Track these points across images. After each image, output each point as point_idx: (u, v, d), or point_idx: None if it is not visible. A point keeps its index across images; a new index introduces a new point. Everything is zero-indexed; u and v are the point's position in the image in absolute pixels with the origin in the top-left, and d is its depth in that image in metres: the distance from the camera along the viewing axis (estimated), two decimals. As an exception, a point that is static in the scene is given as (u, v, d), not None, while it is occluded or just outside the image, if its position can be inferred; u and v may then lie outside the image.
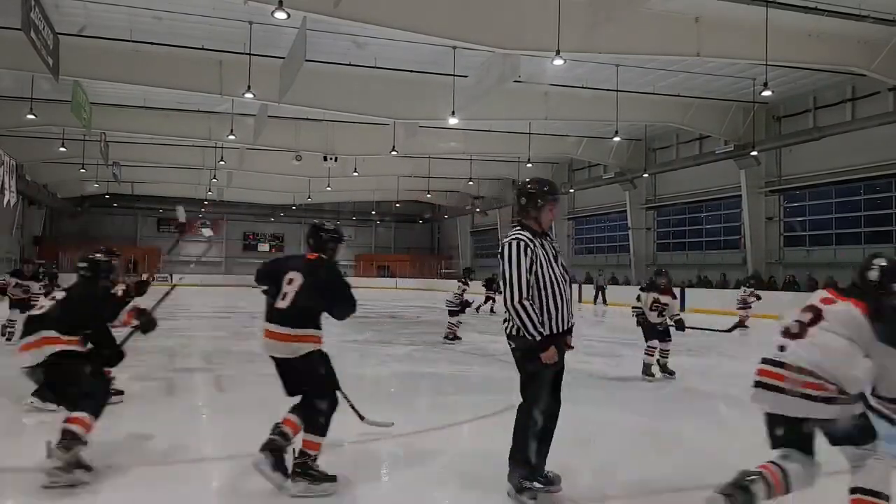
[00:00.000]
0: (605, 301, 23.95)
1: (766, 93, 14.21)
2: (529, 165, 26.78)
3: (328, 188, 32.19)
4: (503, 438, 4.95)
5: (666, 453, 4.73)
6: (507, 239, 3.43)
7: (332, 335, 12.86)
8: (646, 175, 24.68)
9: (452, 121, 16.41)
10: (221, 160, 25.80)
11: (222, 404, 6.14)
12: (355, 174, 28.39)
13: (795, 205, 20.93)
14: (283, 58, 15.10)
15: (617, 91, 17.62)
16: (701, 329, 9.83)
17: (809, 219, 20.52)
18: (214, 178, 29.91)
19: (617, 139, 20.05)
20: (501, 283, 3.42)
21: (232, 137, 19.97)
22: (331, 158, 25.26)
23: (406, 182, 34.73)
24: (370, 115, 19.36)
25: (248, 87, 14.51)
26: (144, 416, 5.45)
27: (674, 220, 26.25)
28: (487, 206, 37.33)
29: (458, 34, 12.80)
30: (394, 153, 21.67)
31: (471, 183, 33.23)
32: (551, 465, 3.95)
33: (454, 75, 15.93)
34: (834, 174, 19.06)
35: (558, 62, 11.78)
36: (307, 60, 13.93)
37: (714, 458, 4.51)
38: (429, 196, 38.51)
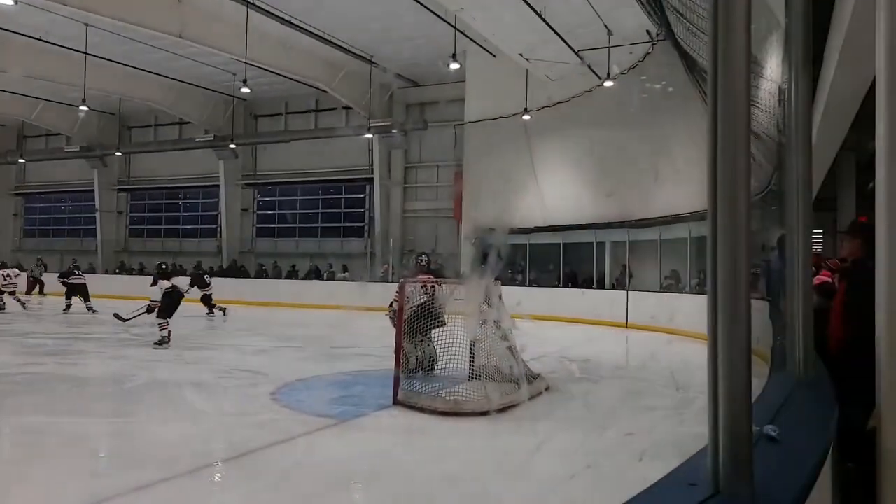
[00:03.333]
0: (42, 292, 18.28)
1: (245, 90, 15.02)
2: (-39, 123, 21.25)
3: None
4: None
5: (127, 451, 4.41)
6: None
7: None
8: (119, 153, 22.82)
9: None
10: None
11: None
12: None
13: (268, 199, 22.84)
14: None
15: (86, 54, 15.67)
16: None
17: (278, 212, 22.71)
18: None
19: (84, 108, 17.76)
20: None
21: None
22: None
23: None
24: None
25: None
26: None
27: (150, 205, 25.04)
28: None
29: None
30: None
31: None
32: None
33: None
34: (300, 174, 21.62)
35: (6, 2, 9.66)
36: None
37: (178, 446, 4.43)
38: None
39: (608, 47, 12.98)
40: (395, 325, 6.95)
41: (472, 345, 6.09)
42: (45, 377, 6.92)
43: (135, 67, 17.88)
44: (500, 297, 6.30)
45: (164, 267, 10.91)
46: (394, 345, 5.97)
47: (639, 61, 13.37)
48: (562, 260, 16.19)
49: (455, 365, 6.06)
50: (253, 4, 13.01)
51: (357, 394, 6.23)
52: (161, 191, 24.50)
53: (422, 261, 7.39)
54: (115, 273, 22.64)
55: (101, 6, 12.34)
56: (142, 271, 21.89)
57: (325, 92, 18.35)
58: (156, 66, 17.94)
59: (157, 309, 9.39)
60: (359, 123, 19.07)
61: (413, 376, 6.71)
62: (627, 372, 8.49)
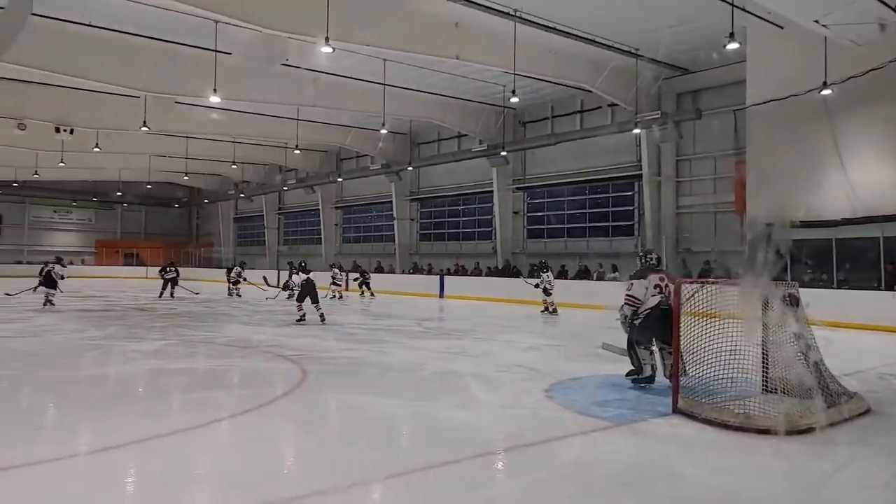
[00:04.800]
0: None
1: (514, 99, 15.75)
2: (297, 152, 26.22)
3: (61, 164, 27.85)
4: (264, 433, 4.87)
5: (423, 432, 5.04)
6: None
7: (66, 331, 11.40)
8: (410, 168, 25.77)
9: (214, 99, 15.32)
10: None
11: None
12: (96, 150, 24.95)
13: (537, 201, 23.63)
14: (1, 8, 12.67)
15: (384, 85, 18.08)
16: None
17: (547, 214, 23.34)
18: None
19: (384, 131, 20.57)
20: None
21: (-75, 96, 16.20)
22: (65, 130, 21.86)
23: (159, 162, 31.51)
24: (115, 85, 17.14)
25: (-51, 35, 11.89)
26: None
27: (435, 212, 27.85)
28: (252, 192, 35.70)
29: (222, 8, 11.97)
30: (145, 129, 19.53)
31: (234, 167, 31.45)
32: (314, 450, 3.93)
33: (216, 51, 14.89)
34: (566, 175, 21.93)
35: (326, 50, 11.67)
36: (35, 14, 11.91)
37: (464, 432, 4.92)
38: (186, 178, 35.44)
39: (943, -7, 10.58)
40: (625, 330, 6.70)
41: (764, 354, 5.52)
42: (359, 362, 8.21)
43: (422, 91, 20.09)
44: (796, 302, 5.59)
45: (302, 264, 13.24)
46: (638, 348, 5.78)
47: None
48: (882, 257, 13.61)
49: (742, 375, 5.55)
50: (519, 17, 13.65)
51: (631, 398, 6.11)
52: (444, 199, 27.04)
53: (651, 258, 6.81)
54: (410, 273, 25.72)
55: (394, 42, 14.17)
56: (430, 271, 24.46)
57: (590, 92, 18.32)
58: (438, 87, 19.91)
59: (296, 295, 12.33)
60: (625, 119, 18.59)
61: (646, 387, 6.43)
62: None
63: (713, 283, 6.02)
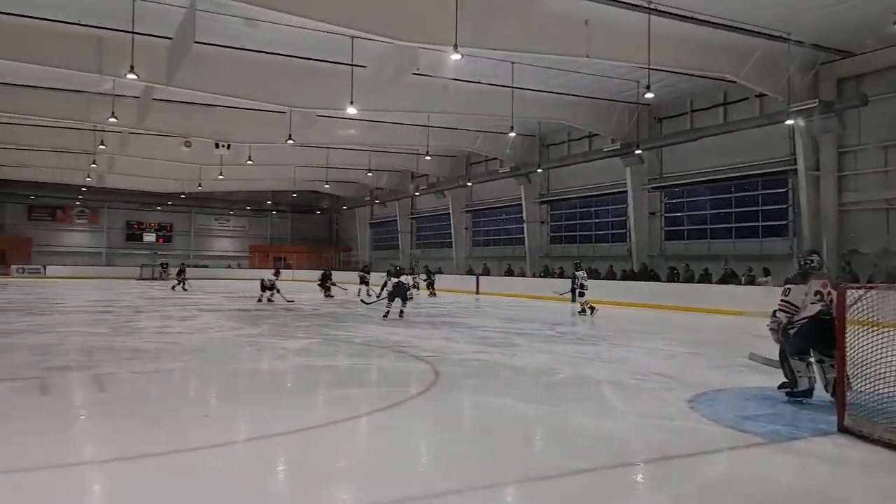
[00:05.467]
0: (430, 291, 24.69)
1: (649, 95, 15.06)
2: (428, 158, 26.97)
3: (220, 176, 30.84)
4: (401, 431, 5.03)
5: (557, 437, 4.94)
6: None
7: (226, 329, 12.40)
8: (540, 170, 25.54)
9: (351, 111, 16.17)
10: (102, 144, 23.98)
11: (102, 405, 5.75)
12: (249, 162, 27.36)
13: (675, 201, 22.44)
14: (170, 38, 14.23)
15: (512, 88, 18.08)
16: None
17: (687, 214, 22.08)
18: (94, 163, 27.76)
19: (512, 134, 20.57)
20: None
21: (113, 120, 18.60)
22: (223, 145, 24.20)
23: (303, 172, 33.92)
24: (265, 102, 18.70)
25: (132, 67, 13.54)
26: (12, 419, 5.00)
27: (566, 214, 27.35)
28: (386, 198, 37.21)
29: (356, 23, 12.62)
30: (290, 142, 21.08)
31: (370, 174, 32.97)
32: (449, 450, 3.99)
33: (352, 65, 15.69)
34: (708, 173, 20.61)
35: (455, 56, 11.87)
36: (197, 42, 13.25)
37: (600, 440, 4.77)
38: (327, 186, 37.80)
39: None
40: (776, 340, 6.05)
41: None
42: (491, 364, 8.23)
43: (550, 92, 19.85)
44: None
45: (398, 268, 15.52)
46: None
47: None
48: None
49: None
50: (653, 9, 13.05)
51: (786, 413, 5.58)
52: (575, 200, 26.48)
53: (812, 261, 6.04)
54: (540, 276, 25.47)
55: (522, 45, 14.11)
56: (561, 275, 24.06)
57: (734, 83, 17.08)
58: (567, 87, 19.57)
59: (388, 295, 14.28)
60: (775, 110, 17.13)
61: (803, 402, 5.81)
62: None
63: (882, 287, 5.36)
